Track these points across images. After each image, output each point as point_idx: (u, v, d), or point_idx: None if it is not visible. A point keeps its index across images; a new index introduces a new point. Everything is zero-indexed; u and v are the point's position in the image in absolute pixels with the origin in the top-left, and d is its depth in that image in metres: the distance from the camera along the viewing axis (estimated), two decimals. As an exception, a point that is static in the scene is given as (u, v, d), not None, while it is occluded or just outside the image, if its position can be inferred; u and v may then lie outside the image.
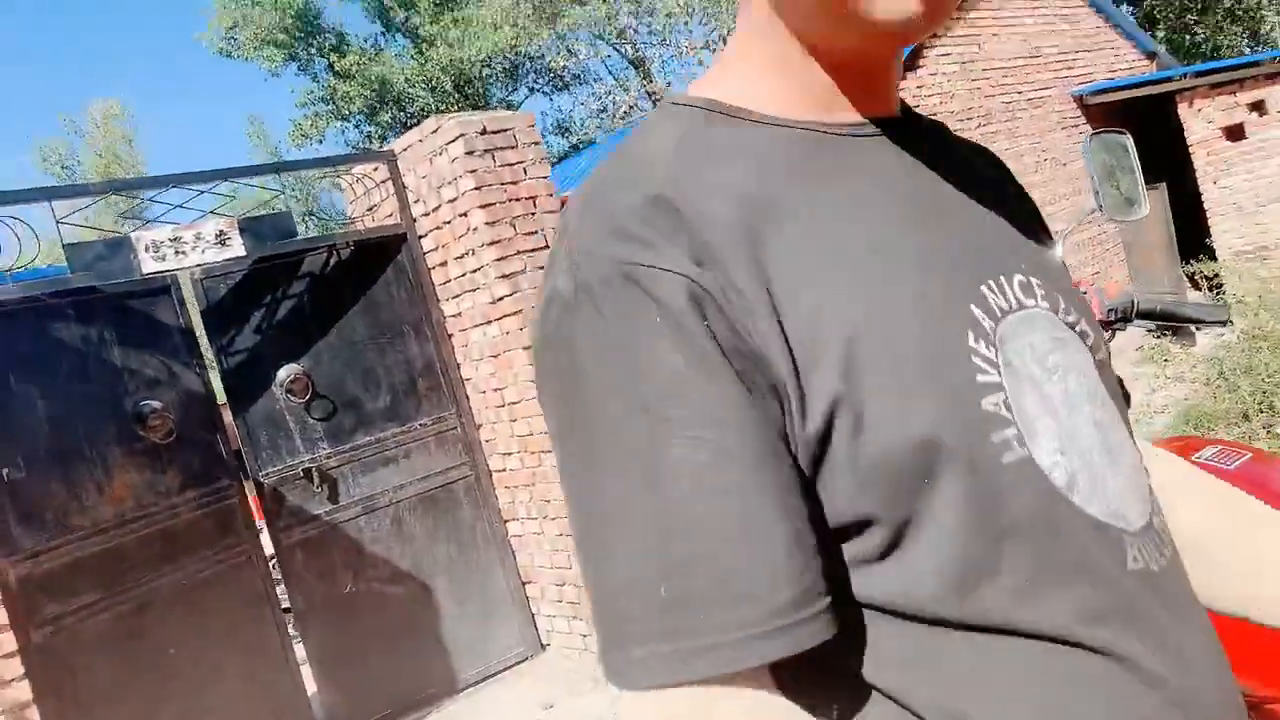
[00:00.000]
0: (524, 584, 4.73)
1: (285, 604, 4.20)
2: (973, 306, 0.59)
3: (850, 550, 0.56)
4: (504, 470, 4.64)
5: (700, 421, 0.51)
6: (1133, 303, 1.79)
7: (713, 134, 0.61)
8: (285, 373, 4.21)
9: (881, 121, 0.65)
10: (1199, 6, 14.41)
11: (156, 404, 3.77)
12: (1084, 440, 0.60)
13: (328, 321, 4.37)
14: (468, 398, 4.69)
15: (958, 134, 0.78)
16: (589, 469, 0.54)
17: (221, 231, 3.92)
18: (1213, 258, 8.33)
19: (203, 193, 4.03)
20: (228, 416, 4.14)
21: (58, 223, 3.53)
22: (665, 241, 0.53)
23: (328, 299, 4.38)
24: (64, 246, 3.55)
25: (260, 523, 4.16)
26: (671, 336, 0.51)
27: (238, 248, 3.96)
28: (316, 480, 4.22)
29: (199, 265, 3.93)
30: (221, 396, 4.18)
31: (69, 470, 3.53)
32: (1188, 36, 14.39)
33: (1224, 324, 1.94)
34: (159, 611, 3.64)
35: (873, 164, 0.63)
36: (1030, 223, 0.73)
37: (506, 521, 4.72)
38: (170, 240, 3.80)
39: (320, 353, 4.34)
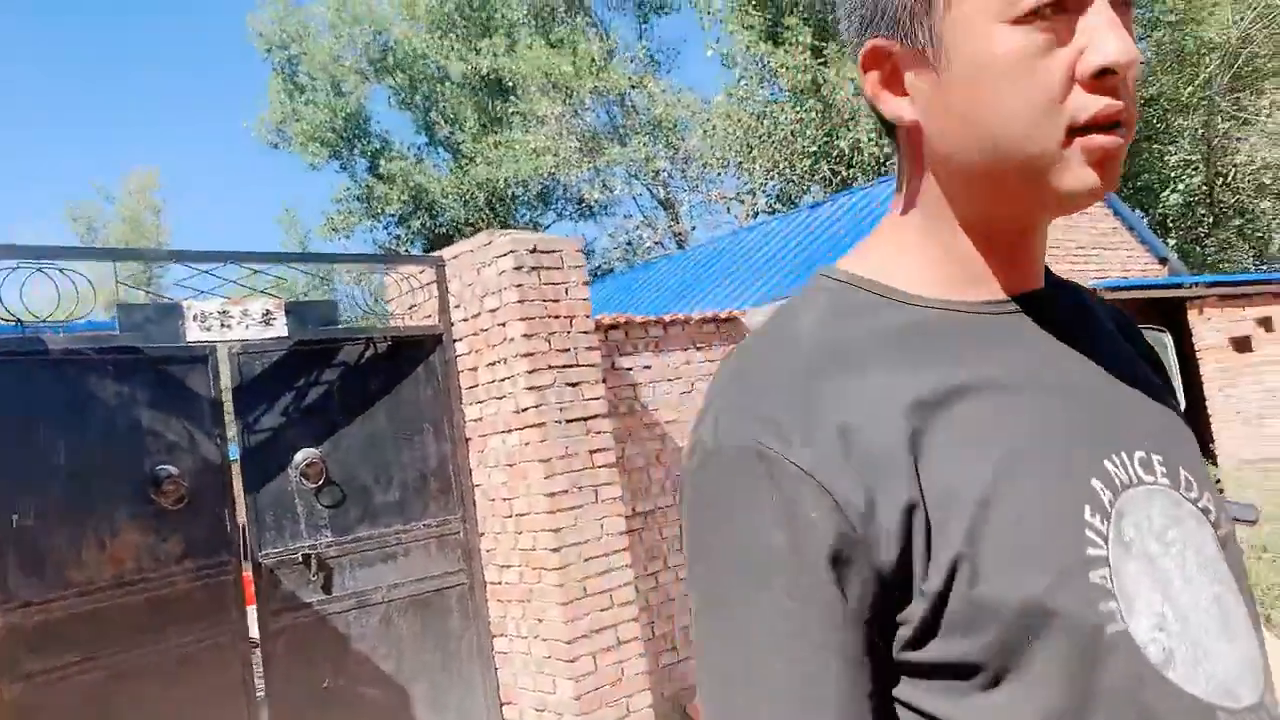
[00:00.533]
0: (503, 704, 4.59)
1: (261, 690, 4.07)
2: (1093, 480, 0.64)
3: (952, 684, 0.61)
4: (500, 583, 4.59)
5: (787, 594, 0.60)
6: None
7: (854, 314, 0.68)
8: (302, 456, 4.23)
9: (1022, 296, 0.71)
10: (1211, 220, 15.09)
11: (173, 470, 3.79)
12: (1196, 616, 0.64)
13: (352, 411, 4.43)
14: (475, 504, 4.69)
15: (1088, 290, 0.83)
16: (702, 603, 0.64)
17: (268, 311, 4.04)
18: (1215, 464, 8.43)
19: (256, 271, 4.17)
20: (239, 492, 4.14)
21: (117, 283, 3.65)
22: (795, 431, 0.61)
23: (356, 389, 4.45)
24: (118, 306, 3.66)
25: (250, 605, 4.08)
26: (779, 517, 0.60)
27: (280, 328, 4.07)
28: (314, 568, 4.17)
29: (240, 340, 4.02)
30: (236, 471, 4.19)
31: (76, 524, 3.51)
32: (1198, 247, 15.01)
33: (1252, 523, 1.99)
34: (135, 682, 3.54)
35: (1010, 340, 0.69)
36: (1156, 386, 0.77)
37: (494, 636, 4.63)
38: (219, 312, 3.91)
39: (339, 440, 4.37)
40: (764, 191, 17.07)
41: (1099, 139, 0.61)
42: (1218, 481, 7.51)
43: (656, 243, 20.64)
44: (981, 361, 0.67)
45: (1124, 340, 0.81)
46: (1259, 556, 5.56)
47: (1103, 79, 0.60)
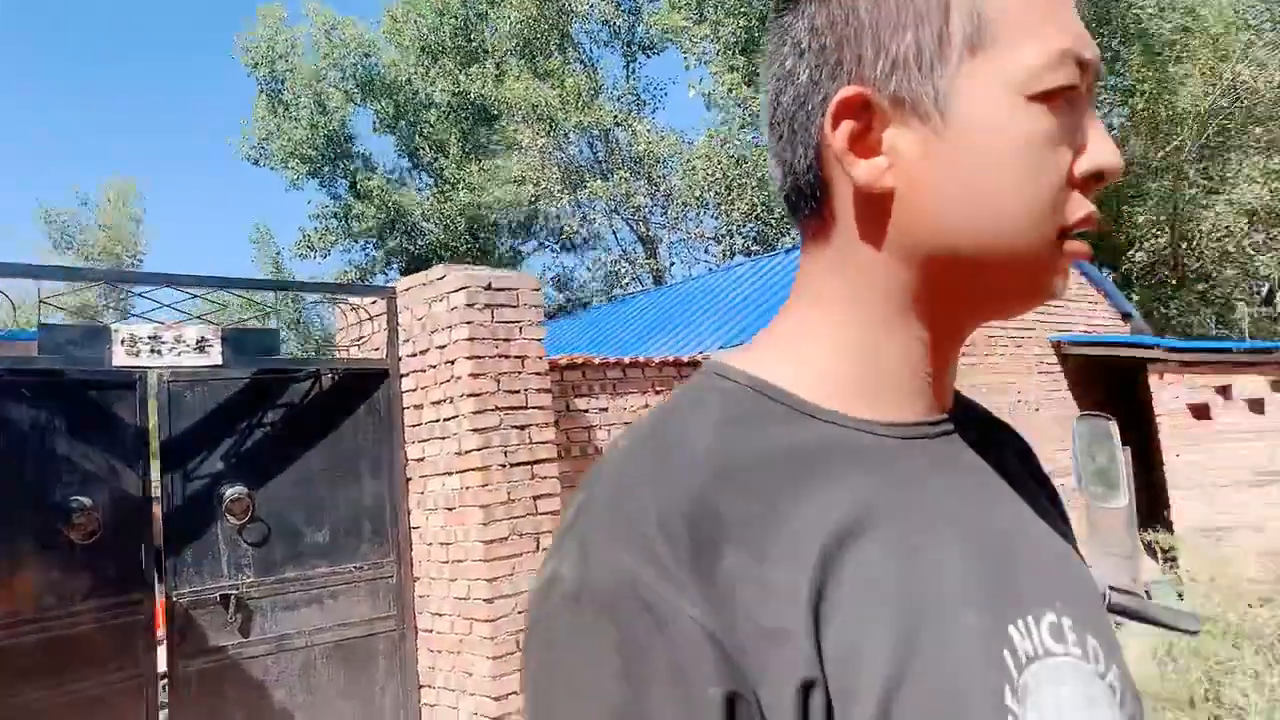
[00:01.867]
0: (428, 759, 4.39)
1: (166, 740, 3.86)
2: (1005, 652, 0.54)
3: None
4: (431, 631, 4.41)
5: None
6: (1103, 596, 1.76)
7: (755, 427, 0.57)
8: (230, 492, 4.05)
9: (939, 420, 0.62)
10: (1174, 282, 15.28)
11: (87, 501, 3.60)
12: None
13: (287, 445, 4.26)
14: (411, 548, 4.53)
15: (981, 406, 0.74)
16: None
17: (203, 338, 3.88)
18: (1170, 530, 8.42)
19: (195, 296, 4.02)
20: (159, 526, 3.95)
21: (40, 302, 3.49)
22: (688, 571, 0.49)
23: (293, 422, 4.29)
24: (39, 326, 3.49)
25: (160, 646, 3.89)
26: (669, 689, 0.47)
27: (215, 356, 3.91)
28: (232, 609, 3.98)
29: (171, 367, 3.86)
30: (157, 506, 4.01)
31: (-25, 556, 3.32)
32: (1161, 307, 15.17)
33: (1194, 633, 1.89)
34: (27, 728, 3.33)
35: (922, 472, 0.59)
36: (1064, 530, 0.68)
37: (421, 687, 4.44)
38: (149, 337, 3.75)
39: (271, 475, 4.20)
40: (741, 233, 17.11)
41: (1078, 245, 0.57)
42: (1170, 550, 7.48)
43: (635, 278, 20.63)
44: (892, 499, 0.56)
45: (1028, 472, 0.71)
46: (1209, 631, 5.49)
47: (1092, 183, 0.57)
